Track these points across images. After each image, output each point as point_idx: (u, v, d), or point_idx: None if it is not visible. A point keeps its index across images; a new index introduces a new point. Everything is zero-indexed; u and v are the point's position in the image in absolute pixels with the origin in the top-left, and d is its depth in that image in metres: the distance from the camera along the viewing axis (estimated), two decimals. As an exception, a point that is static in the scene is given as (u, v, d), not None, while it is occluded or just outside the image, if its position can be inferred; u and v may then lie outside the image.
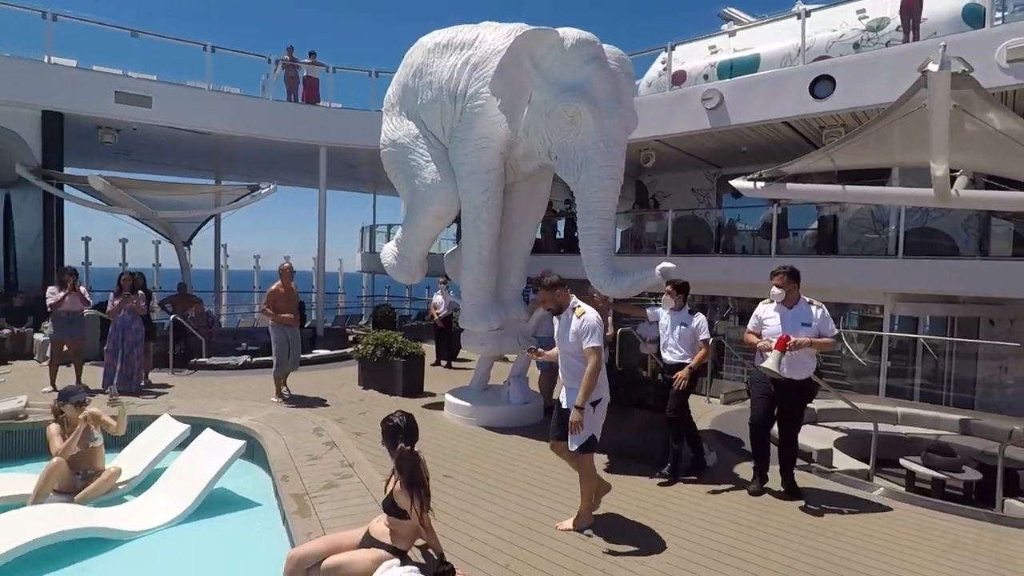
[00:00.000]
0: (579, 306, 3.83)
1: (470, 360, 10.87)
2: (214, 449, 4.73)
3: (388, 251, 7.26)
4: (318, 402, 7.24)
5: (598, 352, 3.67)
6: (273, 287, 7.51)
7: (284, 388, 7.35)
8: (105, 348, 7.71)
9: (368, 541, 2.99)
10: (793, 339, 4.35)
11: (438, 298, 10.06)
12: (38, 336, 9.75)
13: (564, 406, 3.85)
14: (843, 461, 5.70)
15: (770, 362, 4.37)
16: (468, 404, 6.53)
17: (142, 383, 7.80)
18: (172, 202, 11.20)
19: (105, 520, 4.02)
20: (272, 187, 11.40)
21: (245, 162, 15.59)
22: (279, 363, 7.30)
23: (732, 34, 12.32)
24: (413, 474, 2.93)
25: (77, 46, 12.05)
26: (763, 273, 5.05)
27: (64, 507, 4.11)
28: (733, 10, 13.88)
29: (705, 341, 5.01)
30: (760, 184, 7.88)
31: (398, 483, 2.91)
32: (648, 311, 5.61)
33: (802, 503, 4.51)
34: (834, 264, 10.02)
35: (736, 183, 7.96)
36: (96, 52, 12.39)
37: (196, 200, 11.52)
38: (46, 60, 11.19)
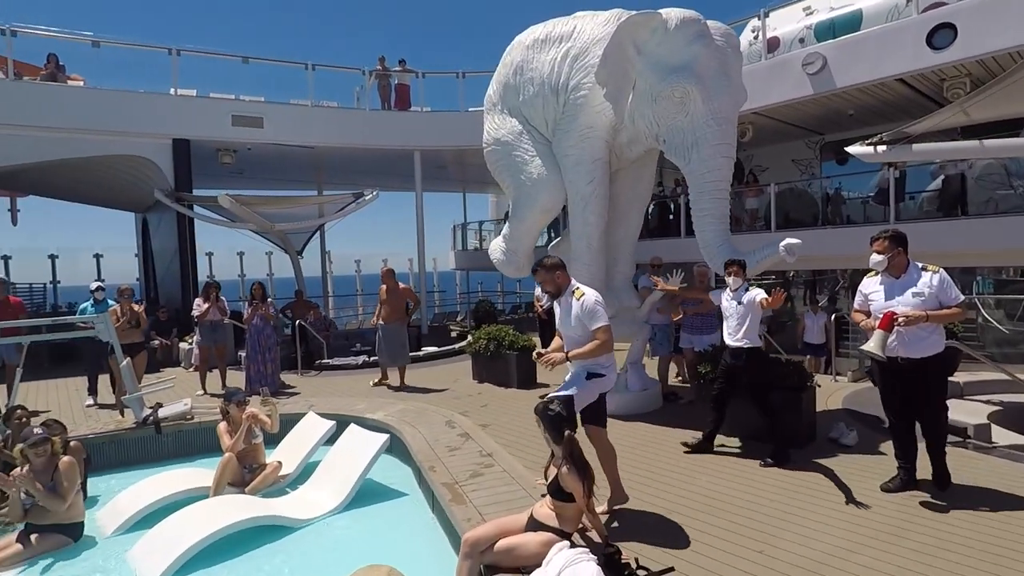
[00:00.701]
0: (578, 288, 3.81)
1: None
2: (361, 443, 5.08)
3: (496, 247, 7.44)
4: (439, 396, 7.57)
5: (607, 331, 3.68)
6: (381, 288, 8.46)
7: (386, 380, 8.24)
8: (242, 353, 8.46)
9: (534, 525, 3.13)
10: (902, 315, 3.75)
11: (539, 291, 10.16)
12: (183, 345, 10.83)
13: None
14: (1004, 436, 5.25)
15: (872, 344, 3.77)
16: (585, 393, 6.58)
17: (278, 384, 8.48)
18: (287, 214, 12.03)
19: (279, 509, 4.44)
20: (375, 193, 11.97)
21: (344, 171, 16.45)
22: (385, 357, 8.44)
23: (830, -8, 11.50)
24: (581, 459, 3.04)
25: (193, 75, 13.16)
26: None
27: (244, 498, 4.57)
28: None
29: (765, 301, 4.79)
30: (881, 148, 7.36)
31: (563, 468, 3.02)
32: (711, 295, 5.43)
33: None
34: (965, 226, 9.17)
35: (853, 149, 7.47)
36: (208, 79, 13.46)
37: (308, 210, 12.31)
38: (173, 92, 12.33)
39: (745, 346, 4.91)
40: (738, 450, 5.16)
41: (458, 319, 19.24)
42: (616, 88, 5.60)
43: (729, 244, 5.37)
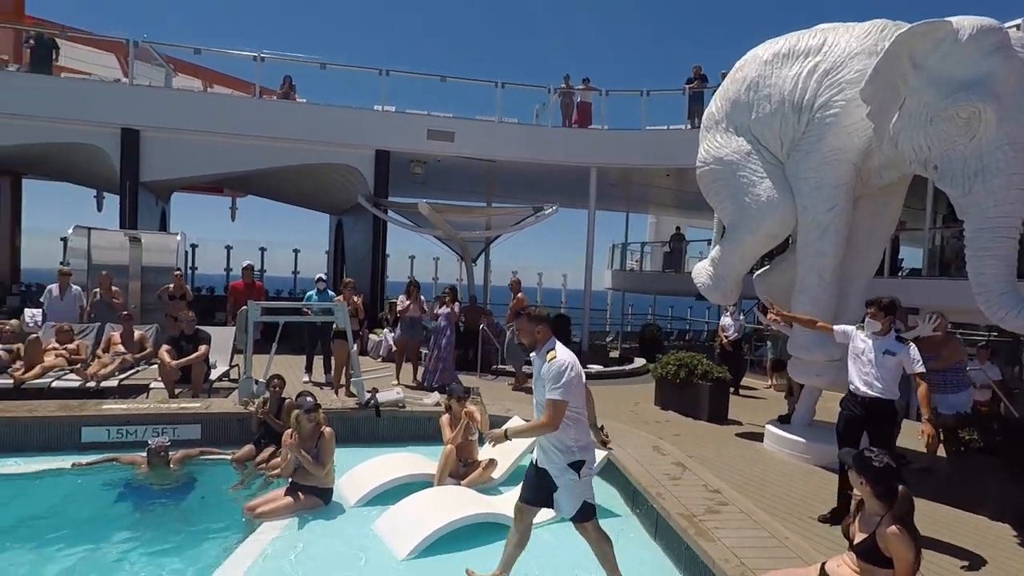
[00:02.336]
0: (553, 350, 3.33)
1: (755, 388, 10.22)
2: (577, 455, 5.03)
3: (702, 270, 7.13)
4: (625, 418, 7.37)
5: (555, 408, 3.19)
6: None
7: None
8: (423, 350, 8.95)
9: (829, 582, 2.82)
10: None
11: (727, 320, 9.63)
12: (372, 337, 11.70)
13: (539, 465, 3.45)
14: None
15: None
16: (801, 440, 6.03)
17: (451, 381, 8.80)
18: (472, 223, 12.62)
19: (505, 510, 4.50)
20: (555, 208, 12.16)
21: (515, 185, 16.99)
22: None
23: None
24: (913, 522, 2.68)
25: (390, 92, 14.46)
26: None
27: (473, 492, 4.69)
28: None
29: (922, 375, 4.09)
30: None
31: (890, 528, 2.68)
32: (837, 328, 4.71)
33: None
34: None
35: None
36: (403, 96, 14.69)
37: (491, 221, 12.81)
38: (379, 108, 13.56)
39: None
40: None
41: (608, 340, 18.97)
42: (881, 107, 5.10)
43: (1016, 290, 4.61)
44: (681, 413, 7.81)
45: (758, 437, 6.72)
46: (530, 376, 9.68)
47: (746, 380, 9.96)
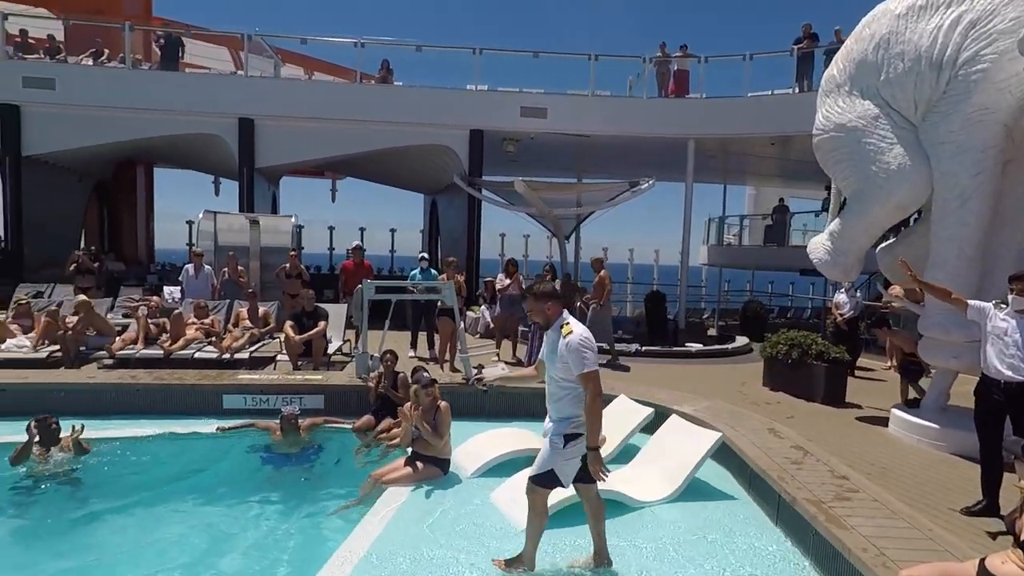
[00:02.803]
0: (567, 323, 3.25)
1: (872, 369, 9.57)
2: (690, 437, 4.98)
3: (819, 245, 6.70)
4: (733, 399, 7.14)
5: (594, 378, 3.16)
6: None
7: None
8: (522, 328, 9.07)
9: (990, 579, 2.63)
10: None
11: (841, 297, 9.03)
12: (470, 314, 12.01)
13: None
14: None
15: None
16: (934, 426, 5.59)
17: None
18: (567, 199, 12.56)
19: (619, 486, 4.53)
20: (651, 182, 11.81)
21: (607, 160, 16.67)
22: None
23: None
24: None
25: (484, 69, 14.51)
26: None
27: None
28: None
29: None
30: None
31: None
32: (972, 304, 4.32)
33: None
34: None
35: None
36: (495, 74, 14.76)
37: (586, 197, 12.69)
38: (473, 88, 13.70)
39: None
40: None
41: (704, 317, 18.35)
42: (1045, 58, 4.52)
43: None
44: (793, 395, 7.46)
45: (881, 422, 6.30)
46: (621, 353, 9.70)
47: (862, 361, 9.33)
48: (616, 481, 4.65)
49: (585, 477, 3.41)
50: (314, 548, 3.99)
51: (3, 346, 7.49)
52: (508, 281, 8.94)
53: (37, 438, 4.92)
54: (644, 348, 10.19)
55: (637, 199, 12.12)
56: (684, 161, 13.40)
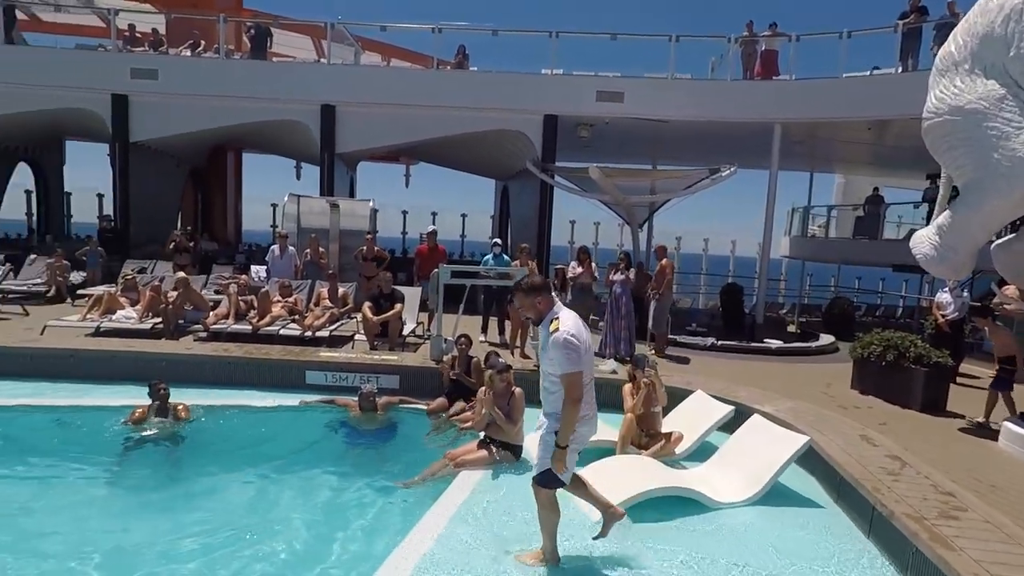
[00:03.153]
0: (557, 317, 3.15)
1: (976, 376, 8.80)
2: (774, 438, 4.74)
3: (923, 239, 6.16)
4: (818, 401, 6.76)
5: (573, 378, 3.07)
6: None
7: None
8: (593, 317, 8.93)
9: None
10: None
11: (945, 296, 8.31)
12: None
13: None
14: None
15: None
16: (1056, 441, 5.07)
17: (631, 350, 8.70)
18: (641, 186, 12.25)
19: (696, 485, 4.38)
20: (733, 169, 11.30)
21: (684, 146, 16.10)
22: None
23: None
24: None
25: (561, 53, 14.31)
26: None
27: (659, 464, 4.63)
28: None
29: None
30: None
31: None
32: None
33: None
34: None
35: None
36: (571, 58, 14.52)
37: (661, 184, 12.33)
38: (548, 72, 13.53)
39: None
40: None
41: (781, 312, 17.51)
42: None
43: None
44: (886, 400, 6.97)
45: (989, 435, 5.79)
46: (695, 347, 9.39)
47: (965, 366, 8.59)
48: (692, 480, 4.53)
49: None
50: (387, 523, 4.09)
51: (114, 317, 8.14)
52: (580, 269, 8.81)
53: (155, 403, 5.35)
54: (720, 343, 9.82)
55: (715, 187, 11.65)
56: (767, 147, 12.72)
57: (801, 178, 18.72)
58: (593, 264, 9.10)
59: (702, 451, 5.26)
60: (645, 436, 5.30)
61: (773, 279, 18.36)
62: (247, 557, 3.62)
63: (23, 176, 18.13)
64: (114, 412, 5.66)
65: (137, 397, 5.65)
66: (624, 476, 4.38)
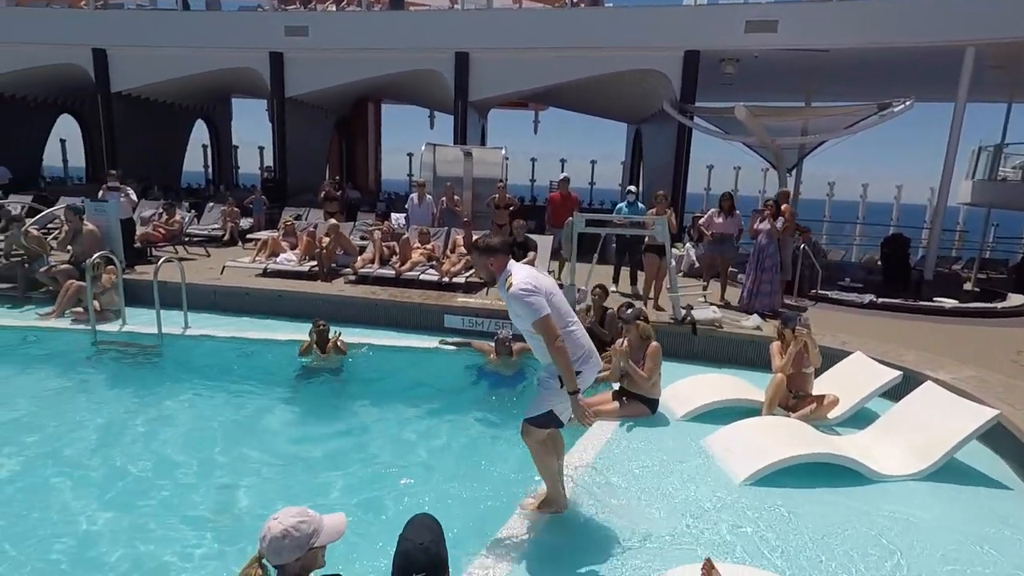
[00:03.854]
0: (511, 273, 3.06)
1: None
2: (952, 409, 4.22)
3: None
4: (1004, 368, 5.87)
5: (542, 323, 2.96)
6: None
7: None
8: (731, 269, 8.37)
9: None
10: None
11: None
12: (674, 251, 11.47)
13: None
14: None
15: None
16: None
17: (776, 305, 8.09)
18: (791, 127, 11.11)
19: (854, 453, 4.04)
20: (907, 103, 9.83)
21: (848, 78, 14.25)
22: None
23: None
24: None
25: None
26: None
27: (811, 429, 4.31)
28: None
29: None
30: None
31: None
32: None
33: None
34: None
35: None
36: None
37: (817, 124, 11.09)
38: (689, 2, 12.48)
39: None
40: None
41: (958, 267, 15.29)
42: None
43: None
44: (1095, 373, 5.90)
45: None
46: (850, 304, 8.47)
47: None
48: (847, 447, 4.20)
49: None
50: (521, 467, 4.11)
51: (277, 259, 9.05)
52: (720, 219, 8.25)
53: (315, 338, 5.95)
54: (880, 300, 8.83)
55: (882, 125, 10.21)
56: (953, 75, 10.85)
57: (991, 111, 15.88)
58: (738, 212, 8.47)
59: (859, 418, 4.82)
60: (793, 398, 4.95)
61: (949, 230, 16.04)
62: (390, 485, 3.92)
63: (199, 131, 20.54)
64: (284, 345, 6.37)
65: (300, 333, 6.29)
66: (768, 437, 4.15)
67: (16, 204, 11.12)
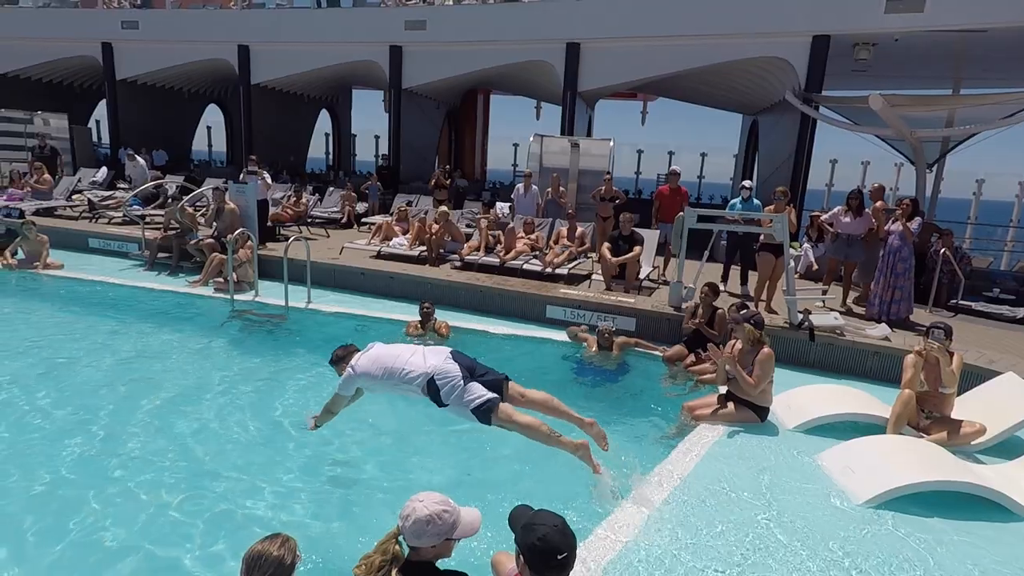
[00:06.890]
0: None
1: None
2: None
3: None
4: None
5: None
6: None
7: None
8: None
9: None
10: None
11: None
12: (791, 251, 10.79)
13: None
14: None
15: None
16: None
17: (903, 315, 7.39)
18: (932, 118, 10.03)
19: (1000, 485, 3.62)
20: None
21: (1008, 62, 12.58)
22: None
23: None
24: None
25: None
26: None
27: (950, 455, 3.91)
28: None
29: None
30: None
31: None
32: None
33: None
34: None
35: None
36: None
37: (966, 114, 9.95)
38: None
39: None
40: None
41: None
42: None
43: None
44: None
45: None
46: (999, 318, 7.53)
47: None
48: (996, 478, 3.76)
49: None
50: (618, 467, 4.00)
51: (391, 243, 9.53)
52: (846, 219, 7.62)
53: (422, 319, 6.24)
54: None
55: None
56: None
57: None
58: (867, 211, 7.78)
59: (1007, 447, 4.32)
60: (927, 418, 4.52)
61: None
62: (492, 475, 4.02)
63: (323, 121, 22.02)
64: (395, 324, 6.72)
65: (410, 313, 6.59)
66: (897, 458, 3.81)
67: (172, 184, 12.52)
